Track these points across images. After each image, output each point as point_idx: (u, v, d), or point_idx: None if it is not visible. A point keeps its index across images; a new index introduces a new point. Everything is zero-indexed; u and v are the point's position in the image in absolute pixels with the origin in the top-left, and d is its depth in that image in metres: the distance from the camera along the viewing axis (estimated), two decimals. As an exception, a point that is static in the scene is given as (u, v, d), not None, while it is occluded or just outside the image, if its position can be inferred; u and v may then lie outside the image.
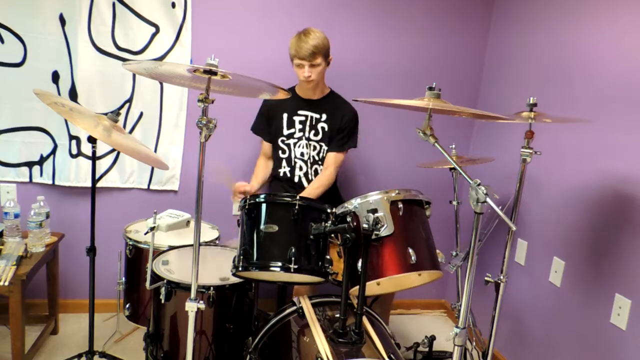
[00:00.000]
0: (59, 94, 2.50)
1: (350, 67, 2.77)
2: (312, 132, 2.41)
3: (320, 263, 1.70)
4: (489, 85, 2.92)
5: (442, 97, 1.52)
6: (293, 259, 1.63)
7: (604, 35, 2.06)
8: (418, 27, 2.84)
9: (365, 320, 1.76)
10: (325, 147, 2.42)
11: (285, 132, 2.41)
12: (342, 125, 2.42)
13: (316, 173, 2.44)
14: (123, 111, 2.58)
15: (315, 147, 2.42)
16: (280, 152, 2.43)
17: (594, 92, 2.09)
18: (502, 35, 2.82)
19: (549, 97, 2.30)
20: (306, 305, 1.82)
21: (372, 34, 2.80)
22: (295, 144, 2.41)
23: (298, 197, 1.70)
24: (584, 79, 2.15)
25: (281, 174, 2.43)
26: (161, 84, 2.62)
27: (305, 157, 2.42)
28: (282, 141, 2.42)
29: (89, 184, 2.50)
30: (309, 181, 2.43)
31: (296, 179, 2.43)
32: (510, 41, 2.73)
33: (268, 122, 2.45)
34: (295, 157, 2.41)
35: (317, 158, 2.43)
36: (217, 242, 2.28)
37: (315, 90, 2.39)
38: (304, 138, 2.40)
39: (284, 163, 2.43)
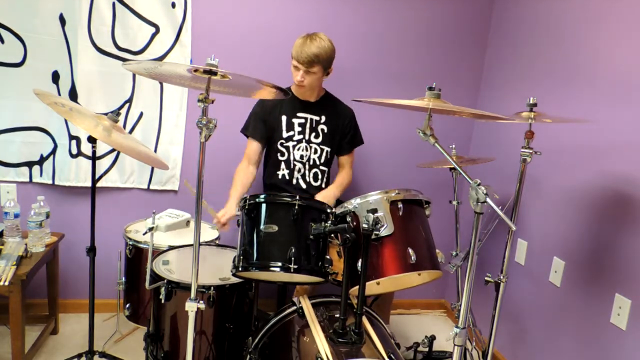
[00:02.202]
0: (59, 94, 2.50)
1: (349, 66, 2.77)
2: (313, 134, 2.40)
3: (320, 263, 1.70)
4: (489, 85, 2.92)
5: (442, 97, 1.52)
6: (293, 259, 1.63)
7: (606, 34, 2.06)
8: (419, 22, 2.85)
9: (365, 320, 1.76)
10: (327, 150, 2.42)
11: (285, 134, 2.39)
12: (345, 128, 2.45)
13: (315, 176, 2.43)
14: (123, 111, 2.58)
15: (316, 151, 2.41)
16: (279, 154, 2.41)
17: (594, 92, 2.09)
18: (502, 34, 2.82)
19: (549, 96, 2.30)
20: (306, 305, 1.82)
21: (371, 34, 2.80)
22: (294, 146, 2.40)
23: (298, 197, 1.70)
24: (585, 78, 2.15)
25: (279, 177, 2.42)
26: (161, 84, 2.62)
27: (304, 160, 2.41)
28: (281, 144, 2.40)
29: (89, 184, 2.50)
30: (306, 184, 2.42)
31: (294, 182, 2.42)
32: (511, 40, 2.74)
33: (263, 123, 2.41)
34: (295, 159, 2.40)
35: (317, 162, 2.42)
36: (217, 242, 2.28)
37: (312, 93, 2.38)
38: (303, 141, 2.40)
39: (282, 165, 2.42)
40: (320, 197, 2.26)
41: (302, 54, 2.19)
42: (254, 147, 2.41)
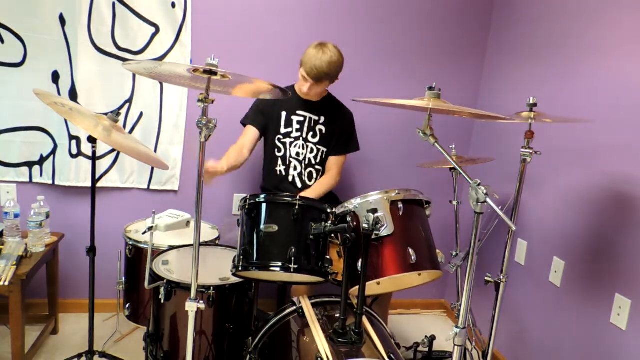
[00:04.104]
0: (59, 94, 2.50)
1: (348, 65, 2.77)
2: (311, 133, 2.40)
3: (320, 263, 1.70)
4: (489, 85, 2.92)
5: (442, 97, 1.52)
6: (293, 259, 1.63)
7: (607, 34, 2.06)
8: (420, 22, 2.85)
9: (365, 320, 1.76)
10: (323, 150, 2.42)
11: (283, 130, 2.40)
12: (342, 129, 2.45)
13: (309, 175, 2.43)
14: (123, 111, 2.58)
15: (312, 150, 2.41)
16: (276, 150, 2.42)
17: (594, 92, 2.09)
18: (502, 34, 2.82)
19: (549, 96, 2.30)
20: (306, 305, 1.82)
21: (371, 34, 2.80)
22: (291, 143, 2.40)
23: (298, 197, 1.70)
24: (585, 78, 2.15)
25: (277, 173, 2.43)
26: (161, 84, 2.62)
27: (300, 158, 2.41)
28: (279, 139, 2.40)
29: (89, 184, 2.51)
30: (302, 182, 2.43)
31: (290, 179, 2.42)
32: (511, 40, 2.74)
33: (263, 115, 2.41)
34: (291, 156, 2.41)
35: (313, 161, 2.42)
36: (217, 242, 2.28)
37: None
38: (301, 139, 2.40)
39: (279, 162, 2.42)
40: (304, 194, 2.27)
41: (313, 70, 2.18)
42: (251, 133, 2.39)
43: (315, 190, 2.35)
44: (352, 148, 2.50)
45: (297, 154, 2.40)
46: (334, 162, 2.46)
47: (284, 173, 2.42)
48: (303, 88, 2.27)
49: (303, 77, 2.25)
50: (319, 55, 2.18)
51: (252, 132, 2.40)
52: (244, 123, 2.44)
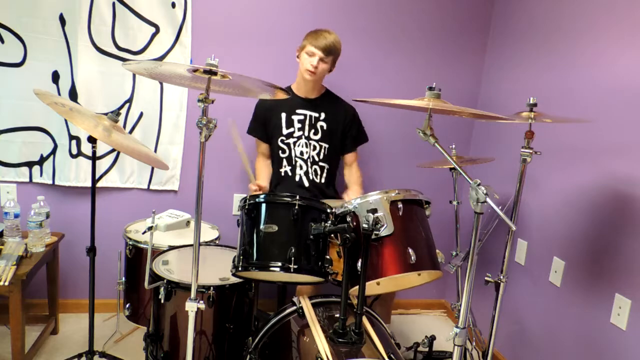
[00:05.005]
0: (59, 94, 2.50)
1: (348, 65, 2.77)
2: (312, 131, 2.41)
3: (320, 263, 1.70)
4: (489, 85, 2.92)
5: (442, 97, 1.52)
6: (293, 259, 1.63)
7: (607, 33, 2.06)
8: (419, 22, 2.85)
9: (365, 320, 1.76)
10: (326, 146, 2.43)
11: (285, 131, 2.41)
12: (346, 126, 2.47)
13: (316, 173, 2.44)
14: (123, 111, 2.58)
15: (315, 147, 2.42)
16: (280, 152, 2.43)
17: (595, 91, 2.09)
18: (503, 34, 2.82)
19: (549, 96, 2.30)
20: (306, 305, 1.82)
21: (371, 34, 2.80)
22: (294, 143, 2.41)
23: (298, 197, 1.70)
24: (585, 77, 2.15)
25: (282, 174, 2.44)
26: (161, 84, 2.62)
27: (305, 157, 2.42)
28: (282, 141, 2.42)
29: (89, 184, 2.51)
30: (309, 180, 2.43)
31: (297, 178, 2.43)
32: (511, 40, 2.74)
33: (265, 123, 2.45)
34: (296, 156, 2.42)
35: (317, 158, 2.43)
36: (217, 242, 2.28)
37: (313, 89, 2.40)
38: (303, 137, 2.41)
39: (284, 162, 2.43)
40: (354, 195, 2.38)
41: (321, 42, 2.24)
42: (263, 146, 2.52)
43: (360, 186, 2.51)
44: (361, 141, 2.58)
45: (301, 152, 2.42)
46: (351, 158, 2.57)
47: (290, 173, 2.43)
48: (312, 63, 2.26)
49: (309, 53, 2.27)
50: (324, 34, 2.28)
51: (263, 146, 2.53)
52: (251, 134, 2.52)
